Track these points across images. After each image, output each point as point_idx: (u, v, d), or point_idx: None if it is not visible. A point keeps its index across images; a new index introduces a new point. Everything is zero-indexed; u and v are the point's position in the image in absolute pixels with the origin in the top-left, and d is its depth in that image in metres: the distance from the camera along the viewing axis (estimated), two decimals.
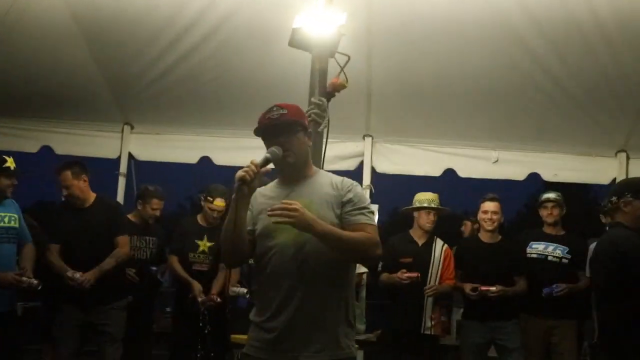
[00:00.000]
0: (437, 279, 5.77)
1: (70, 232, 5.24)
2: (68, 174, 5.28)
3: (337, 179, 3.06)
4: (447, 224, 6.59)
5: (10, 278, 4.63)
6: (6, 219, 4.90)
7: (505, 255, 5.76)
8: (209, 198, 5.88)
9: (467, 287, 5.67)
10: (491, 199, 5.84)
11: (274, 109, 3.00)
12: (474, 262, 5.81)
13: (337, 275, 2.93)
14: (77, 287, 5.06)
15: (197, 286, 5.71)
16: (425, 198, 5.87)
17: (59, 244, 5.23)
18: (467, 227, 7.49)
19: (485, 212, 5.84)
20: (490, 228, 5.82)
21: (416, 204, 5.86)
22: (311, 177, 3.05)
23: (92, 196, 5.40)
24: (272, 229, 2.84)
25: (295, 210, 2.72)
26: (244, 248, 2.88)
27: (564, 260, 5.88)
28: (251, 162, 2.81)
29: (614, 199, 4.34)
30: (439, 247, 5.88)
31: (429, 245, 5.87)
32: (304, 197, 2.92)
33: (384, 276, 5.79)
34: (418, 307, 5.70)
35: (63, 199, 5.45)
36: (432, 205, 5.84)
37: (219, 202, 5.86)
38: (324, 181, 3.04)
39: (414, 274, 5.59)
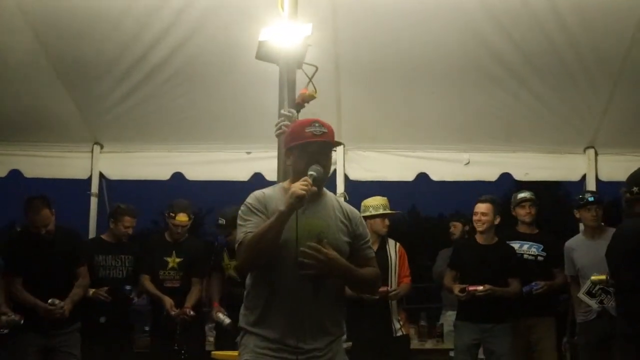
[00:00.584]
0: (396, 278, 5.76)
1: (32, 264, 5.20)
2: (48, 212, 5.24)
3: (345, 206, 3.16)
4: (430, 227, 6.60)
5: None
6: None
7: (500, 257, 5.78)
8: (171, 214, 5.89)
9: (456, 288, 5.69)
10: (482, 201, 5.86)
11: (316, 125, 3.04)
12: (468, 263, 5.83)
13: (341, 290, 3.11)
14: (54, 315, 5.05)
15: (168, 301, 5.70)
16: (378, 204, 5.85)
17: (21, 278, 5.18)
18: (456, 228, 7.47)
19: (476, 213, 5.88)
20: (480, 229, 5.84)
21: (370, 210, 5.83)
22: (322, 197, 3.08)
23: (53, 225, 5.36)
24: (287, 240, 2.86)
25: (323, 261, 2.86)
26: (270, 256, 2.89)
27: (539, 258, 5.94)
28: (306, 179, 2.86)
29: (635, 189, 4.34)
30: (393, 247, 5.88)
31: (383, 248, 5.83)
32: (319, 219, 2.99)
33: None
34: (385, 312, 5.69)
35: (19, 229, 5.41)
36: (387, 211, 5.82)
37: (182, 217, 5.87)
38: (334, 205, 3.10)
39: (384, 289, 5.52)
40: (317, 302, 2.92)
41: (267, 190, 3.07)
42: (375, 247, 5.80)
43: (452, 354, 6.01)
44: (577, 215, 5.78)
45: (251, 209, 2.97)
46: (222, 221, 5.78)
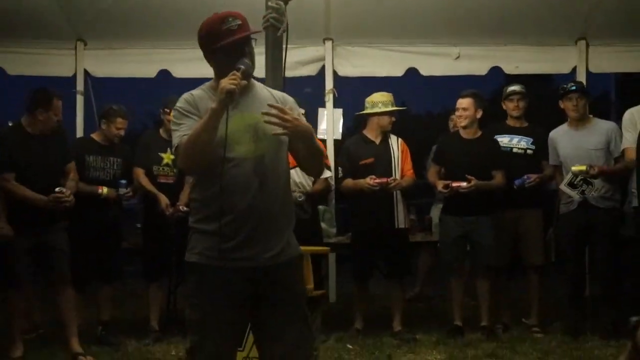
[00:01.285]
0: (399, 172, 5.83)
1: (26, 164, 5.09)
2: (60, 102, 5.19)
3: (277, 93, 3.10)
4: (419, 123, 6.59)
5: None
6: None
7: (484, 150, 5.83)
8: (166, 110, 5.82)
9: (439, 184, 5.76)
10: (463, 96, 5.85)
11: (230, 19, 2.93)
12: (454, 158, 5.88)
13: (287, 183, 3.05)
14: (61, 203, 5.05)
15: (163, 200, 5.73)
16: (387, 100, 5.84)
17: (13, 173, 5.08)
18: (452, 122, 7.49)
19: (457, 109, 5.90)
20: (462, 124, 5.86)
21: (379, 106, 5.83)
22: (251, 89, 3.01)
23: None
24: (229, 140, 2.81)
25: (290, 121, 2.80)
26: (209, 156, 2.83)
27: (528, 151, 5.98)
28: (234, 74, 2.79)
29: None
30: (395, 142, 5.92)
31: (386, 142, 5.90)
32: (252, 111, 2.93)
33: (349, 182, 5.82)
34: (388, 204, 5.78)
35: (10, 123, 5.33)
36: (390, 108, 5.82)
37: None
38: (265, 95, 3.04)
39: (384, 179, 5.64)
40: (263, 194, 2.87)
41: (195, 92, 3.00)
42: (377, 141, 5.85)
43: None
44: (562, 106, 5.78)
45: (182, 112, 2.92)
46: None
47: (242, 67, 2.85)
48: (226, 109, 2.77)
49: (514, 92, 6.05)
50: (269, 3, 3.74)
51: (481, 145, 5.86)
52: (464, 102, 5.84)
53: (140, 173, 5.88)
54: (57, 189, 5.07)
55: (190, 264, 2.92)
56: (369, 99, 5.87)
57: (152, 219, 5.93)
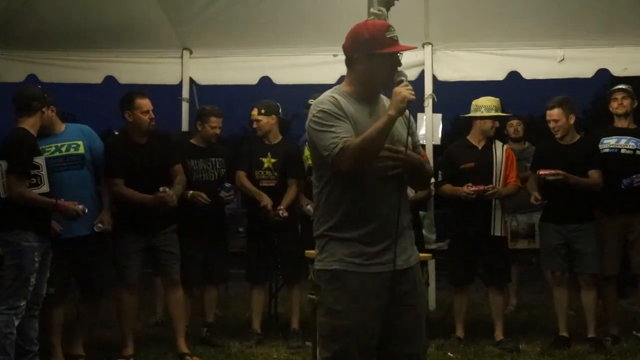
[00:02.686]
0: (501, 180, 5.74)
1: (132, 169, 5.27)
2: (146, 101, 5.34)
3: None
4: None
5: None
6: (63, 148, 5.06)
7: (583, 155, 5.67)
8: (253, 113, 5.95)
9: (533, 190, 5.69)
10: (551, 107, 5.72)
11: (391, 29, 2.99)
12: (551, 164, 5.72)
13: (406, 188, 3.13)
14: (165, 202, 5.22)
15: (266, 198, 5.78)
16: (491, 105, 5.75)
17: (122, 179, 5.27)
18: (512, 127, 7.32)
19: (549, 121, 5.77)
20: (558, 135, 5.73)
21: (482, 110, 5.75)
22: (380, 99, 3.08)
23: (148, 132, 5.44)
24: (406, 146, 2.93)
25: (404, 160, 2.91)
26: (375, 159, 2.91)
27: (637, 152, 5.72)
28: (407, 84, 2.89)
29: None
30: (500, 148, 5.82)
31: (489, 148, 5.80)
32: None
33: (447, 187, 5.76)
34: (486, 210, 5.69)
35: (117, 132, 5.51)
36: (492, 113, 5.73)
37: (253, 112, 5.91)
38: (385, 100, 3.07)
39: (481, 187, 5.55)
40: (398, 200, 2.95)
41: (334, 95, 2.98)
42: (480, 146, 5.79)
43: None
44: None
45: (332, 114, 2.91)
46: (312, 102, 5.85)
47: (405, 79, 2.93)
48: (399, 117, 2.89)
49: (617, 90, 5.83)
50: (372, 10, 3.79)
51: (580, 150, 5.69)
52: (553, 114, 5.70)
53: (242, 175, 5.97)
54: (160, 188, 5.22)
55: (330, 272, 2.94)
56: (474, 102, 5.81)
57: (254, 223, 6.03)
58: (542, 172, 5.55)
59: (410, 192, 5.71)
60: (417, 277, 3.06)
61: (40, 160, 4.68)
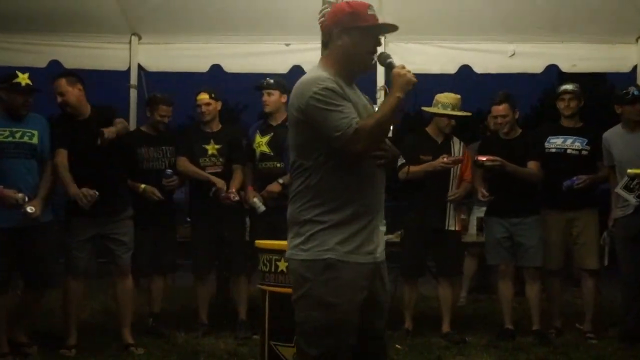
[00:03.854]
0: (457, 176, 5.78)
1: (76, 144, 5.13)
2: (62, 81, 5.20)
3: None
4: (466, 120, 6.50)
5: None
6: (18, 134, 4.93)
7: (523, 148, 5.76)
8: (202, 97, 5.87)
9: (479, 190, 5.74)
10: (498, 103, 5.83)
11: (372, 8, 2.94)
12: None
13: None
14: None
15: (218, 180, 5.73)
16: (448, 102, 5.76)
17: (66, 149, 5.10)
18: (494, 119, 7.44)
19: (495, 117, 5.90)
20: (504, 130, 5.85)
21: (439, 107, 5.75)
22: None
23: (88, 108, 5.32)
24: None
25: (389, 150, 2.93)
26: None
27: (583, 152, 5.84)
28: (404, 67, 2.85)
29: None
30: (457, 145, 5.86)
31: (447, 143, 5.84)
32: (364, 100, 3.01)
33: (412, 168, 5.64)
34: (441, 204, 5.73)
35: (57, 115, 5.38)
36: (454, 112, 5.74)
37: (202, 96, 5.87)
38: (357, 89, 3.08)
39: (459, 157, 5.65)
40: (382, 188, 2.94)
41: (328, 76, 2.84)
42: (439, 141, 5.81)
43: None
44: (619, 111, 5.62)
45: (338, 93, 2.78)
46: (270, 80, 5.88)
47: (392, 60, 2.92)
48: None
49: (565, 92, 5.92)
50: None
51: (522, 144, 5.81)
52: (501, 110, 5.82)
53: (184, 160, 5.86)
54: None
55: (323, 261, 2.78)
56: (436, 97, 5.82)
57: (199, 212, 5.95)
58: (480, 157, 5.62)
59: None
60: (385, 270, 2.99)
61: None
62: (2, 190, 4.59)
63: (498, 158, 5.57)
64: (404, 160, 5.69)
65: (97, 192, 5.01)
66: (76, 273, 5.22)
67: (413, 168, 5.61)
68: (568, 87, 5.94)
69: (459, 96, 5.80)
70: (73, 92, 5.21)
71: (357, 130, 2.71)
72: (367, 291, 2.84)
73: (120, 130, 5.27)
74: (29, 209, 4.77)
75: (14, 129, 4.94)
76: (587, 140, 5.83)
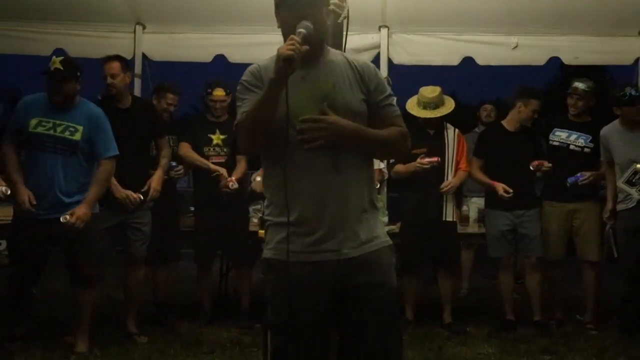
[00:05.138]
0: (453, 165, 5.79)
1: (115, 132, 4.97)
2: (117, 64, 5.24)
3: (356, 60, 2.67)
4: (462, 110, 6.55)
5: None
6: (60, 128, 4.71)
7: (529, 142, 5.78)
8: (208, 90, 5.90)
9: (499, 188, 5.70)
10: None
11: None
12: (497, 150, 5.82)
13: (368, 164, 2.70)
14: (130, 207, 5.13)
15: (219, 168, 5.76)
16: (429, 100, 5.77)
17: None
18: (485, 111, 7.48)
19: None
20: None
21: (420, 107, 5.78)
22: (324, 57, 2.63)
23: (129, 98, 5.38)
24: (294, 116, 2.46)
25: (325, 128, 2.47)
26: (269, 135, 2.51)
27: (585, 150, 5.86)
28: (292, 38, 2.43)
29: None
30: (452, 133, 5.87)
31: (440, 132, 5.85)
32: (323, 81, 2.57)
33: (399, 167, 5.80)
34: (438, 195, 5.75)
35: (100, 97, 5.34)
36: (431, 114, 5.75)
37: (218, 92, 5.89)
38: (340, 60, 2.66)
39: (434, 159, 5.63)
40: (339, 177, 2.52)
41: (262, 62, 2.66)
42: (432, 131, 5.81)
43: None
44: (618, 112, 5.59)
45: (247, 86, 2.59)
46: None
47: (302, 30, 2.47)
48: (285, 79, 2.41)
49: (575, 90, 5.91)
50: None
51: (526, 137, 5.89)
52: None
53: (186, 145, 5.88)
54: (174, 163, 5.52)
55: (266, 261, 2.63)
56: (419, 91, 5.84)
57: (202, 201, 5.98)
58: (535, 163, 5.70)
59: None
60: (380, 265, 2.59)
61: None
62: (17, 186, 4.50)
63: (545, 162, 5.66)
64: (393, 159, 5.80)
65: (141, 197, 5.07)
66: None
67: (398, 168, 5.78)
68: (579, 85, 5.92)
69: (438, 90, 5.81)
70: (123, 79, 5.26)
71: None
72: (331, 292, 2.53)
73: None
74: (62, 219, 4.61)
75: (58, 121, 4.70)
76: (591, 137, 5.82)
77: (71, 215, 4.62)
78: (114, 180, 5.03)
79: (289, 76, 2.42)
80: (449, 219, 5.81)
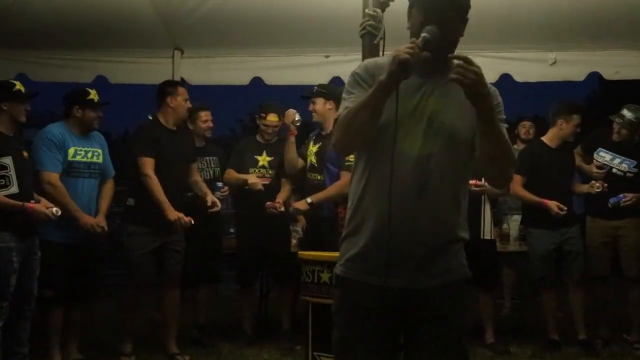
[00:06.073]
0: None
1: (163, 150, 5.24)
2: (185, 90, 5.51)
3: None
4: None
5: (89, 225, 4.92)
6: (89, 154, 5.08)
7: (571, 159, 5.73)
8: (262, 114, 5.95)
9: (553, 205, 5.62)
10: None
11: None
12: (540, 167, 5.76)
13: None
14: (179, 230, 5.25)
15: (254, 177, 5.82)
16: None
17: (153, 159, 5.20)
18: (524, 128, 7.40)
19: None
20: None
21: None
22: (443, 70, 2.38)
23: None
24: (390, 121, 2.29)
25: (475, 72, 2.21)
26: (367, 140, 2.35)
27: (628, 174, 5.83)
28: (413, 41, 2.26)
29: None
30: None
31: None
32: (436, 96, 2.39)
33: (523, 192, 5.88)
34: (476, 214, 5.68)
35: (150, 117, 5.48)
36: None
37: (272, 117, 5.94)
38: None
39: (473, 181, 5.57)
40: (422, 202, 2.34)
41: (379, 59, 2.51)
42: None
43: None
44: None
45: (357, 79, 2.43)
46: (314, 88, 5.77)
47: (426, 35, 2.28)
48: (396, 84, 2.23)
49: (620, 118, 5.85)
50: (366, 10, 3.76)
51: (568, 153, 5.87)
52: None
53: (230, 171, 5.98)
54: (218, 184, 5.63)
55: (336, 276, 2.51)
56: None
57: (244, 223, 6.01)
58: (613, 199, 5.67)
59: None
60: (449, 300, 2.41)
61: (7, 160, 4.50)
62: (32, 206, 4.55)
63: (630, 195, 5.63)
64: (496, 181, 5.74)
65: (192, 221, 5.14)
66: (142, 285, 5.29)
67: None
68: (626, 114, 5.87)
69: None
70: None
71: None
72: (399, 320, 2.39)
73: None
74: (55, 211, 4.72)
75: (86, 148, 5.10)
76: (636, 162, 5.77)
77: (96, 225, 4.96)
78: (167, 203, 5.10)
79: (401, 82, 2.24)
80: (487, 237, 5.74)
